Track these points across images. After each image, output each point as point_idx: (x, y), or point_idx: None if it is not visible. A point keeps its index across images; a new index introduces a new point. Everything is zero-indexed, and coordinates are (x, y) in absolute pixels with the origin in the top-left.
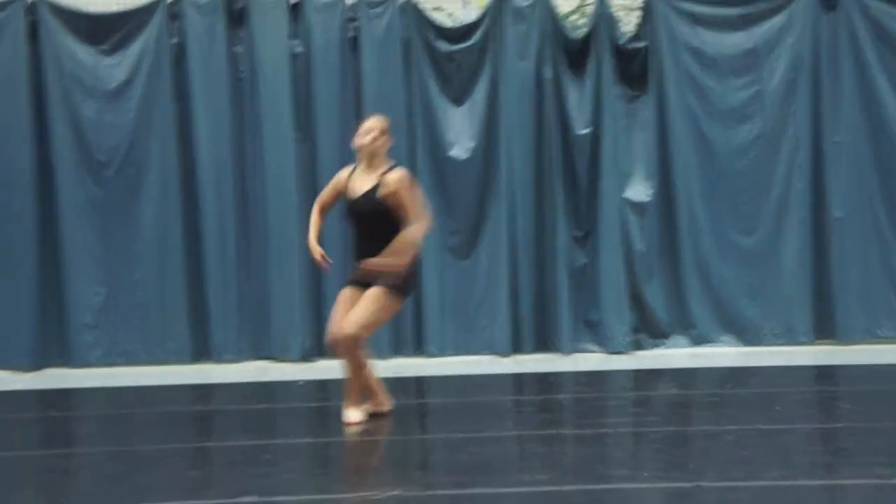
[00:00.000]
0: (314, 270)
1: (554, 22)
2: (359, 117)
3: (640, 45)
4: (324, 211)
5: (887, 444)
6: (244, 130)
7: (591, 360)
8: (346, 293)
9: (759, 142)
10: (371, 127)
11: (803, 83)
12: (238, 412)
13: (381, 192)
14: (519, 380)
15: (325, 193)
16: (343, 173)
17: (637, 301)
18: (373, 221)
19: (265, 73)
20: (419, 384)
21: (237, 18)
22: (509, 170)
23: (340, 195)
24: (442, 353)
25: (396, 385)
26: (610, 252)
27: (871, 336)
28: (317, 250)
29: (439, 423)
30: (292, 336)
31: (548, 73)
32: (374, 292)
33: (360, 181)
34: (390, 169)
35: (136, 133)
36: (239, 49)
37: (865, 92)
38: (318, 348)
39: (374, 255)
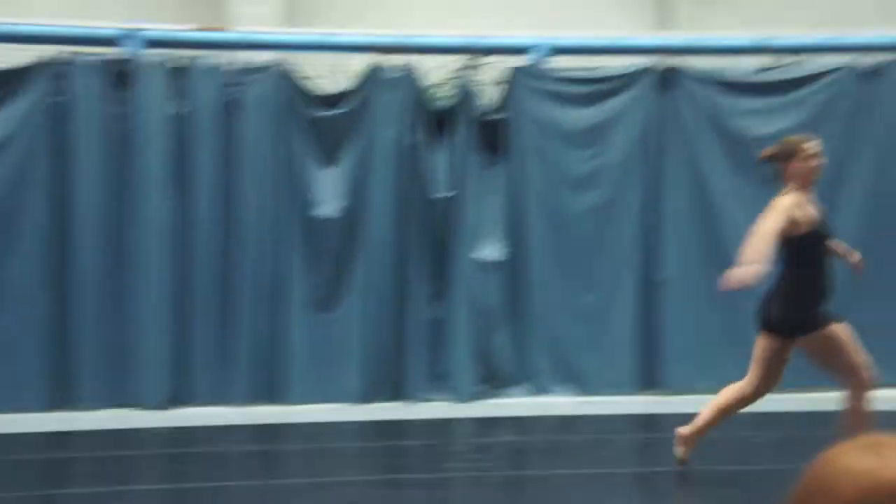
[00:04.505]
0: (180, 321)
1: (420, 93)
2: (236, 176)
3: (500, 116)
4: None
5: (700, 487)
6: (122, 187)
7: (438, 409)
8: (841, 327)
9: (601, 208)
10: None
11: (641, 156)
12: (92, 459)
13: None
14: (371, 427)
15: (779, 224)
16: (792, 201)
17: (484, 354)
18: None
19: (145, 133)
20: (276, 430)
21: (120, 80)
22: (373, 229)
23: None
24: (302, 401)
25: (255, 432)
26: (461, 308)
27: (691, 387)
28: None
29: (290, 468)
30: (153, 384)
31: (412, 139)
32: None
33: (813, 208)
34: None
35: (14, 187)
36: (121, 109)
37: (694, 165)
38: (179, 397)
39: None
